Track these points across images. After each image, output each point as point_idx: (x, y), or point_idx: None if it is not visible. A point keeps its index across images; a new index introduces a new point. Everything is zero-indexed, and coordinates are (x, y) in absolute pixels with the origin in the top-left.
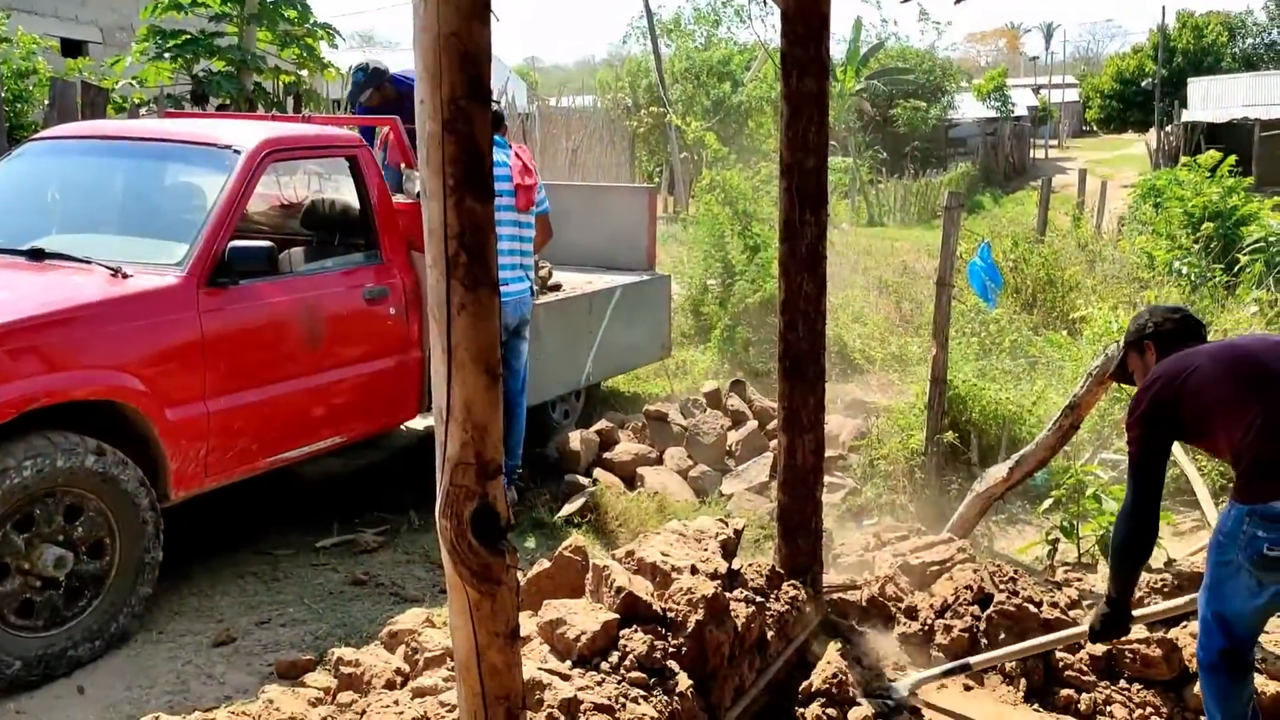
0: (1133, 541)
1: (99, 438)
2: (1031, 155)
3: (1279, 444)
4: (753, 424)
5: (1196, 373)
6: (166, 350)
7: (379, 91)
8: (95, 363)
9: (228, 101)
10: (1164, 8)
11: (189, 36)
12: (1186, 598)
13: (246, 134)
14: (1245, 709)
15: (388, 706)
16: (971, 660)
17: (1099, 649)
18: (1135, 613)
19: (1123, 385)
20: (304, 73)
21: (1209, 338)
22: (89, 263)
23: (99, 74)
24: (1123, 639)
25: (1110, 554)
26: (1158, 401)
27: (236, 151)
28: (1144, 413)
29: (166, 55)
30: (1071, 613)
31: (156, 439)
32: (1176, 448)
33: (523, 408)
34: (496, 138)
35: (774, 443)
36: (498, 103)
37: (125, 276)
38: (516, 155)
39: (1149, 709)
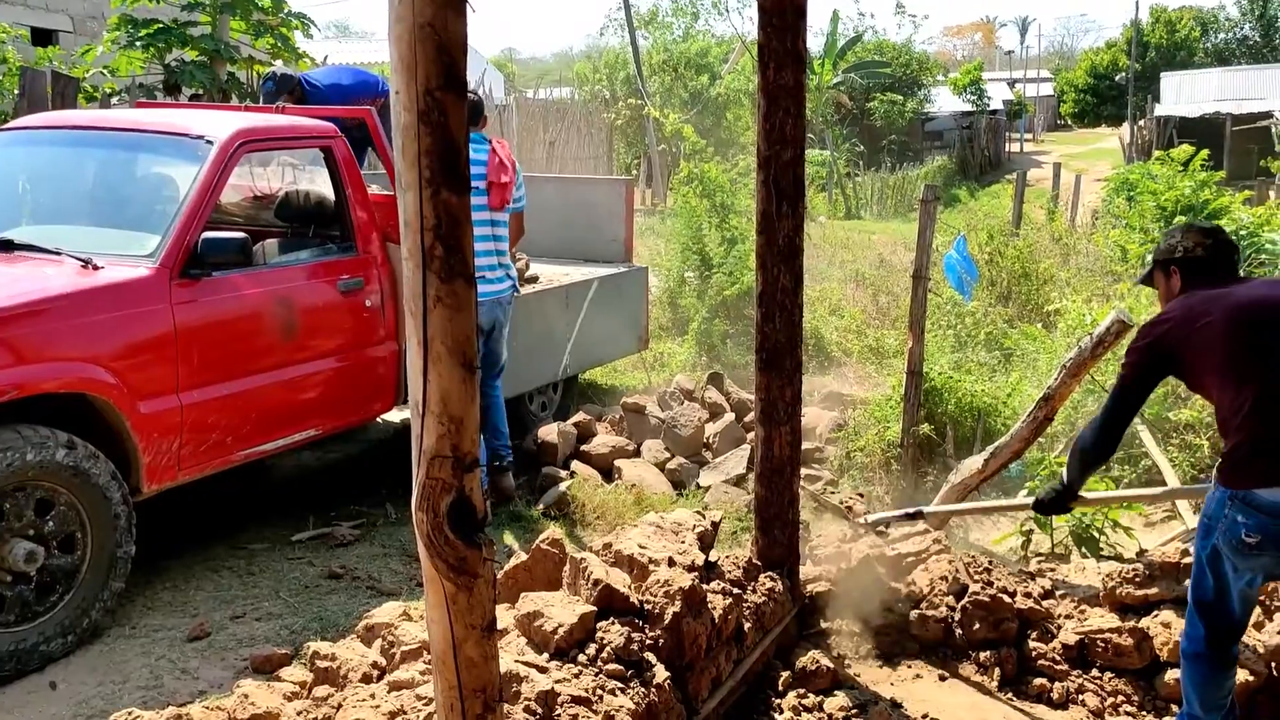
0: (1094, 451)
1: (70, 431)
2: (1007, 149)
3: (1266, 429)
4: (730, 416)
5: (1206, 328)
6: (138, 343)
7: (290, 95)
8: (66, 355)
9: (200, 92)
10: (1137, 3)
11: (161, 25)
12: (1135, 491)
13: (219, 124)
14: (1225, 700)
15: (364, 700)
16: (925, 509)
17: (1072, 639)
18: (1083, 495)
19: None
20: (278, 63)
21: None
22: (59, 254)
23: (69, 63)
24: (1094, 630)
25: (1071, 451)
26: (1163, 343)
27: (209, 142)
28: (1147, 346)
29: (138, 44)
30: (1045, 603)
31: (128, 432)
32: (1148, 438)
33: (498, 392)
34: (475, 133)
35: (751, 435)
36: (474, 93)
37: (96, 268)
38: (494, 151)
39: (1120, 697)
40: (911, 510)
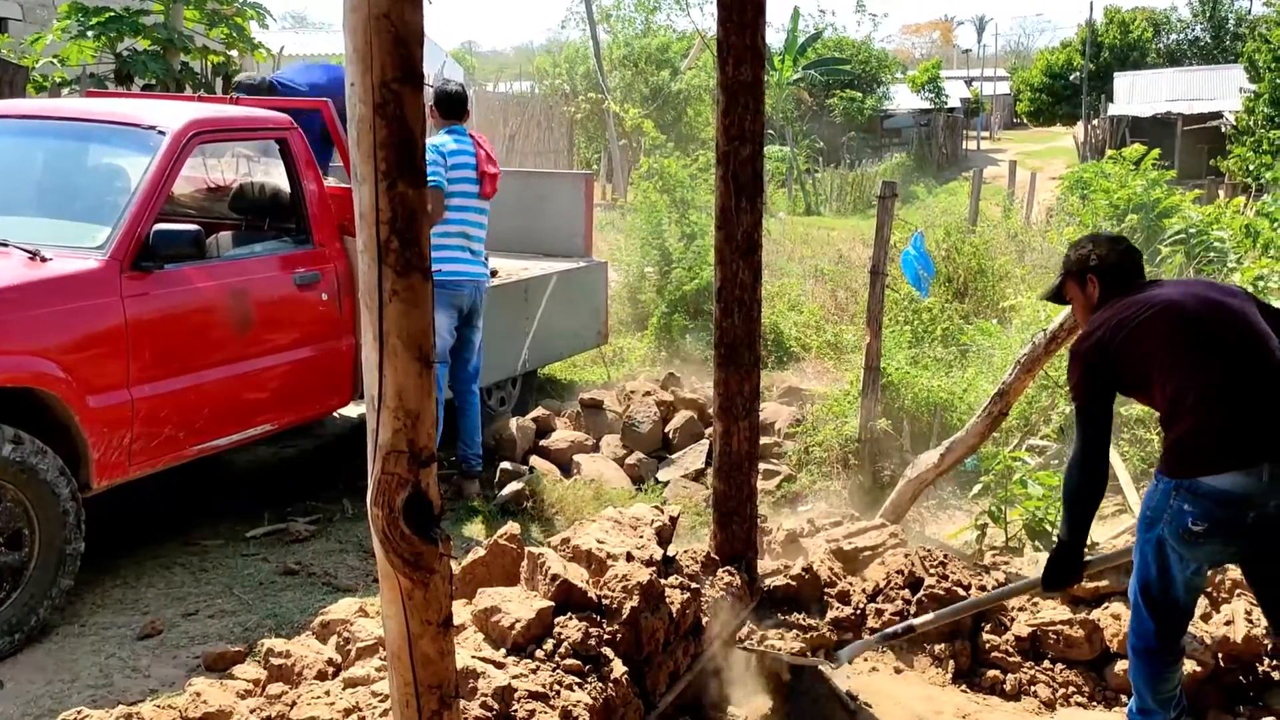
0: (1084, 486)
1: (17, 426)
2: (964, 146)
3: (1211, 421)
4: (689, 411)
5: (1144, 326)
6: (88, 336)
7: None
8: (12, 349)
9: (153, 82)
10: (1091, 3)
11: (113, 14)
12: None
13: (172, 114)
14: (1174, 692)
15: (319, 697)
16: (915, 622)
17: (1024, 631)
18: (1087, 558)
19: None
20: (233, 53)
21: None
22: (6, 245)
23: (19, 52)
24: (1046, 622)
25: (1063, 500)
26: (1099, 352)
27: (161, 132)
28: (1086, 362)
29: (89, 33)
30: None
31: (78, 427)
32: None
33: (476, 396)
34: (458, 126)
35: (710, 430)
36: (460, 85)
37: (44, 260)
38: (478, 143)
39: (1071, 688)
40: (900, 627)
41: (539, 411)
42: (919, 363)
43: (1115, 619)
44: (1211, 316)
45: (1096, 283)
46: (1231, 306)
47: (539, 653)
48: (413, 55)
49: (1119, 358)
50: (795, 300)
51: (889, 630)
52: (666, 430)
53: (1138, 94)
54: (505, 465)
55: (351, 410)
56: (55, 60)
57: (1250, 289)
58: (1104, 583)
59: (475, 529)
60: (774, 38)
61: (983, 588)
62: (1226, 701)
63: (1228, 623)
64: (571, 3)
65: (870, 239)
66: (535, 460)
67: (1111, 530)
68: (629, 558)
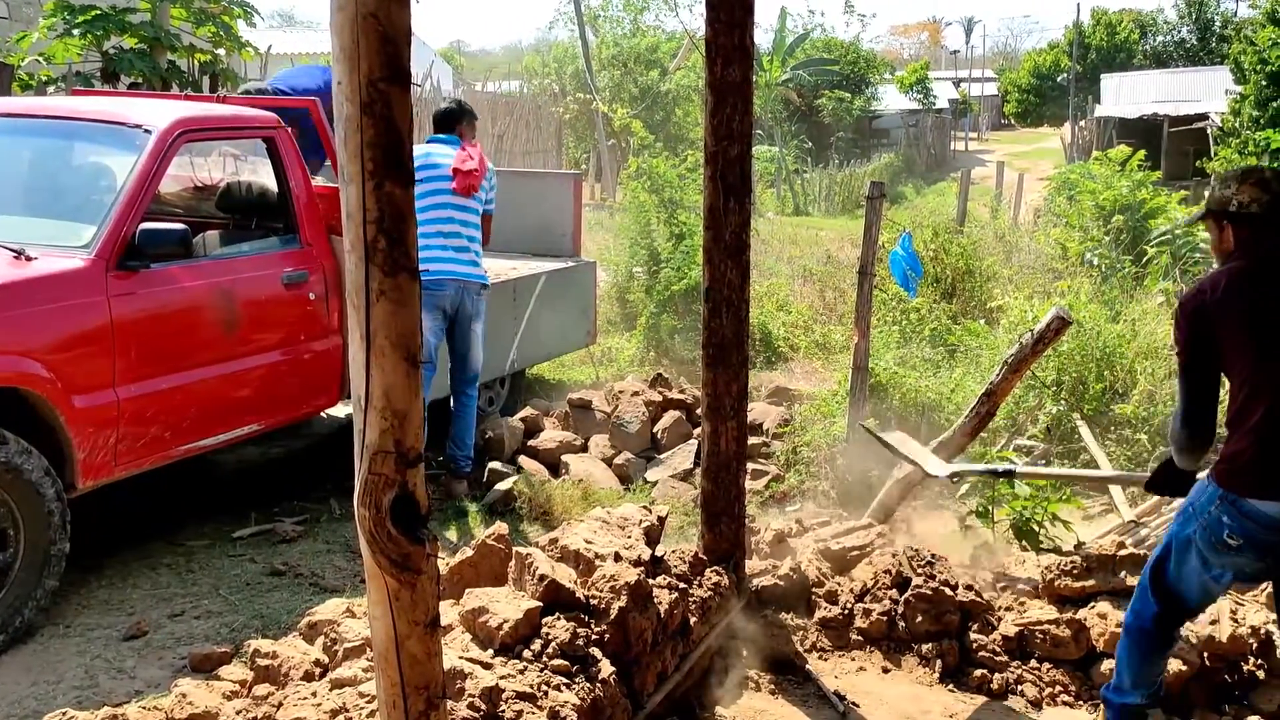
0: (1189, 446)
1: (1, 425)
2: (952, 147)
3: (1271, 448)
4: (677, 411)
5: (1241, 315)
6: (73, 335)
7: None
8: None
9: (140, 80)
10: (1079, 5)
11: (99, 12)
12: None
13: (159, 113)
14: (1156, 680)
15: (305, 698)
16: (1017, 469)
17: (1012, 630)
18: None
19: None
20: (220, 51)
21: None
22: None
23: (4, 50)
24: (1033, 621)
25: (1174, 449)
26: (1199, 316)
27: (148, 131)
28: (1187, 321)
29: (75, 31)
30: (986, 595)
31: (63, 427)
32: (1086, 433)
33: (473, 399)
34: (451, 137)
35: (698, 430)
36: (459, 103)
37: (29, 259)
38: (464, 147)
39: (1058, 687)
40: (1000, 469)
41: (527, 411)
42: (907, 363)
43: (1101, 618)
44: None
45: (1231, 229)
46: None
47: (526, 653)
48: (400, 54)
49: (1214, 330)
50: (784, 300)
51: (992, 467)
52: (655, 430)
53: (1124, 95)
54: (493, 465)
55: (339, 410)
56: (41, 58)
57: None
58: (1090, 582)
59: (463, 529)
60: (762, 38)
61: (969, 587)
62: (1212, 700)
63: (1213, 622)
64: (560, 3)
65: (858, 239)
66: (523, 460)
67: (1098, 529)
68: (617, 558)
